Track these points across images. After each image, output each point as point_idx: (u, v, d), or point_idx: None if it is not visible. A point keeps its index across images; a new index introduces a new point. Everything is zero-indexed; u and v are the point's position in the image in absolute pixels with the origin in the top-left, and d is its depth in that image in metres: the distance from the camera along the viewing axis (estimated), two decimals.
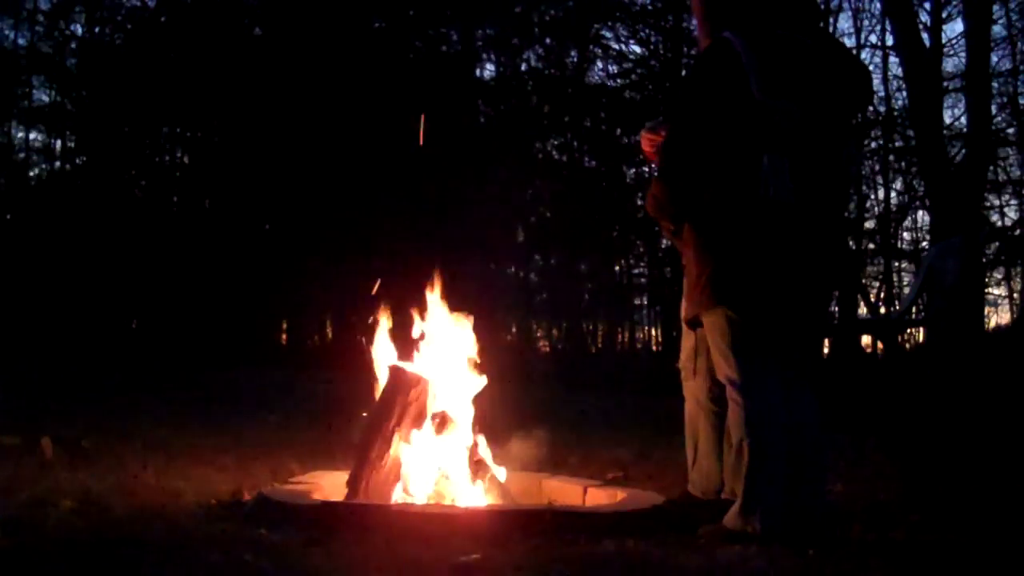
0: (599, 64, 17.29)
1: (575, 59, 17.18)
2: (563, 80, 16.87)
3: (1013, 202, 16.81)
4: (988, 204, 15.46)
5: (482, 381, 3.33)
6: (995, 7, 13.16)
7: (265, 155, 14.24)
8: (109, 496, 2.96)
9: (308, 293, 14.20)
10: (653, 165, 3.07)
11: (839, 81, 2.74)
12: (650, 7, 16.04)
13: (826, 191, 2.70)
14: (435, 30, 16.56)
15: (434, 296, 3.36)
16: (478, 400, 3.34)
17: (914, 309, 8.91)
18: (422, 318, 3.35)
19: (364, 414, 3.21)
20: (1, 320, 12.56)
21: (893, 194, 16.92)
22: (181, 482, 3.32)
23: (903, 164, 16.04)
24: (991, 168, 14.23)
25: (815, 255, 2.69)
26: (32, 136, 16.71)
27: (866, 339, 13.65)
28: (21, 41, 16.25)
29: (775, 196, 2.57)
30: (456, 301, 3.38)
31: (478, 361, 3.35)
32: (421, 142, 3.59)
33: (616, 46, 16.78)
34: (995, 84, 13.85)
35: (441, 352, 3.33)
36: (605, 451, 4.63)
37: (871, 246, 16.54)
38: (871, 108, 15.16)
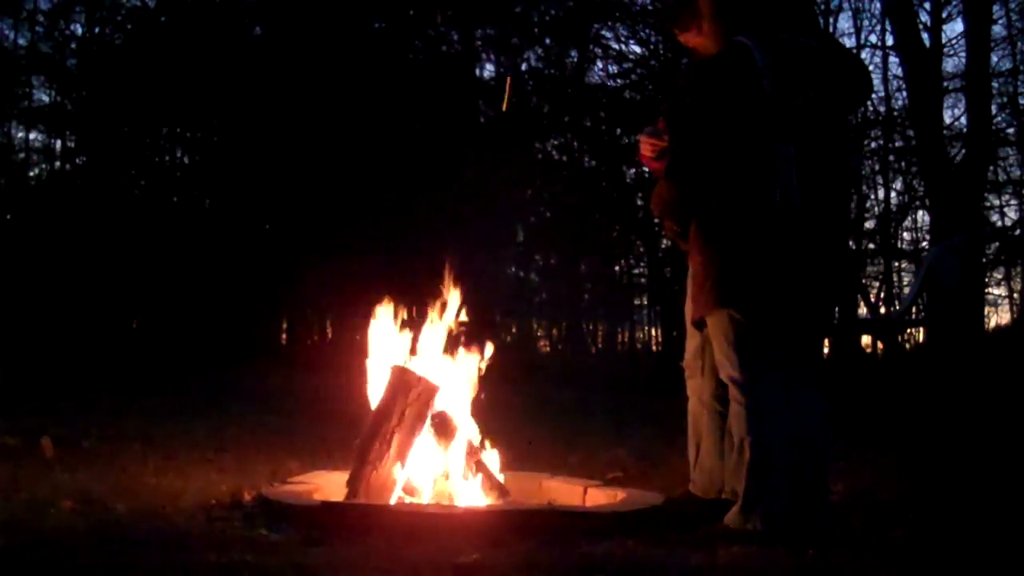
0: (599, 64, 17.30)
1: (575, 59, 17.19)
2: (563, 80, 16.87)
3: (1013, 202, 16.83)
4: (988, 204, 15.47)
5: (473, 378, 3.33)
6: (995, 7, 13.15)
7: (265, 155, 14.23)
8: (109, 496, 2.96)
9: (308, 293, 14.19)
10: (646, 169, 3.07)
11: (841, 79, 2.75)
12: (650, 7, 16.03)
13: (831, 191, 2.71)
14: (435, 30, 16.56)
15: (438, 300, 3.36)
16: (478, 400, 3.35)
17: (914, 309, 8.91)
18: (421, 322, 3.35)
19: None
20: (1, 320, 12.56)
21: (893, 194, 16.93)
22: (181, 482, 3.32)
23: (903, 164, 16.04)
24: (991, 168, 14.23)
25: (820, 257, 2.69)
26: (32, 136, 16.72)
27: (866, 339, 13.66)
28: (21, 41, 16.26)
29: (781, 199, 2.57)
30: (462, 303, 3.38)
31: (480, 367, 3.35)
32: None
33: (616, 46, 16.76)
34: (995, 84, 13.85)
35: (441, 354, 3.33)
36: (605, 451, 4.63)
37: (871, 246, 16.54)
38: (871, 108, 15.17)
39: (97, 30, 16.45)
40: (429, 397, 3.13)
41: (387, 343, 3.32)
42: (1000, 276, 17.70)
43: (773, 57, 2.63)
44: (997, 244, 14.87)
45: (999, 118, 14.43)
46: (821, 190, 2.66)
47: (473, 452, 3.19)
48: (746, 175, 2.62)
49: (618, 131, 16.23)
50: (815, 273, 2.70)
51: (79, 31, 16.45)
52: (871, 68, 15.85)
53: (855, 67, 2.86)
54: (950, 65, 15.01)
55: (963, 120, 14.46)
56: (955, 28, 22.97)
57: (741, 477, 2.65)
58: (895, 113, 15.64)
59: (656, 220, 3.06)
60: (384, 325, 3.33)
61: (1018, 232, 15.94)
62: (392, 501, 2.98)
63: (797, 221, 2.62)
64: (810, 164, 2.63)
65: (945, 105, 13.91)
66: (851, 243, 15.00)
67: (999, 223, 16.43)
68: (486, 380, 3.39)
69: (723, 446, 2.97)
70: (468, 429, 3.25)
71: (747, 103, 2.62)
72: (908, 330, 14.92)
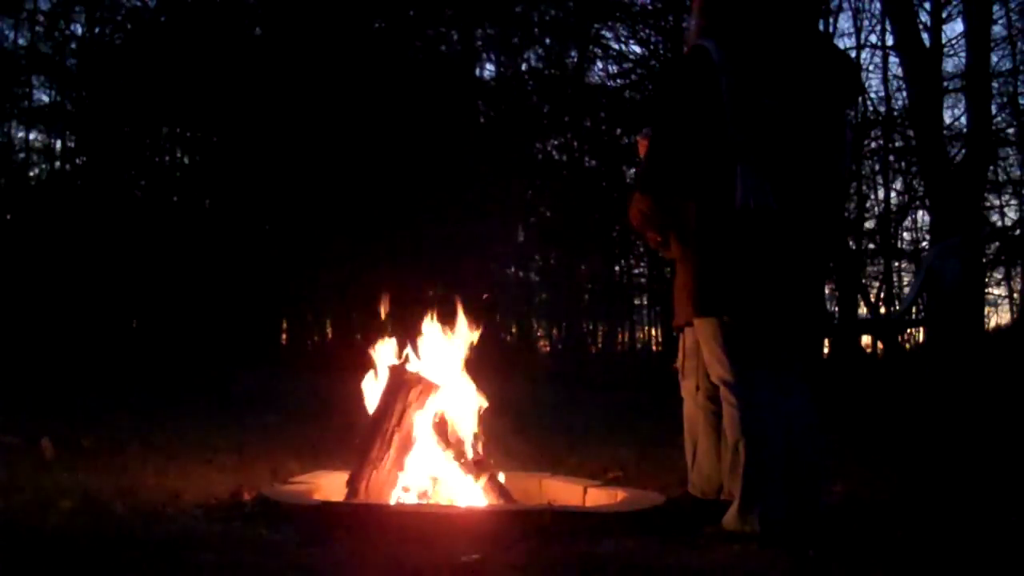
0: (599, 64, 17.31)
1: (575, 59, 17.19)
2: (563, 80, 16.87)
3: (1013, 202, 16.84)
4: (988, 204, 15.47)
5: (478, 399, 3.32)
6: (995, 7, 13.18)
7: (265, 155, 14.24)
8: (109, 496, 2.96)
9: (308, 293, 14.20)
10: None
11: (826, 77, 2.73)
12: (650, 7, 16.05)
13: (814, 190, 2.69)
14: (435, 30, 16.56)
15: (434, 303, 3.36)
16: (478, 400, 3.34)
17: (914, 309, 8.91)
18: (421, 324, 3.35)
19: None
20: (1, 320, 12.56)
21: (893, 194, 16.94)
22: (181, 482, 3.31)
23: (903, 164, 16.05)
24: (991, 168, 14.23)
25: (803, 258, 2.68)
26: (32, 136, 16.72)
27: (866, 339, 13.67)
28: (21, 41, 16.26)
29: (755, 205, 2.56)
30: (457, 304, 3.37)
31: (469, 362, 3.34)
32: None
33: (616, 46, 16.79)
34: (995, 84, 13.86)
35: (440, 354, 3.33)
36: (605, 451, 4.63)
37: (871, 246, 16.55)
38: (871, 108, 15.18)
39: (97, 30, 16.45)
40: (429, 397, 3.14)
41: (388, 347, 3.32)
42: (1000, 276, 17.69)
43: (739, 58, 2.61)
44: (997, 244, 14.88)
45: (999, 118, 14.46)
46: (802, 186, 2.65)
47: (473, 452, 3.19)
48: (717, 182, 2.61)
49: (618, 131, 16.25)
50: (798, 275, 2.69)
51: (79, 31, 16.47)
52: (871, 68, 15.94)
53: (843, 65, 2.82)
54: (950, 65, 15.04)
55: (963, 120, 14.48)
56: (955, 28, 23.02)
57: (737, 478, 2.64)
58: (895, 113, 15.65)
59: (637, 230, 3.05)
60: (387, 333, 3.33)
61: (1018, 232, 15.94)
62: (392, 501, 2.98)
63: (776, 225, 2.60)
64: (791, 165, 2.62)
65: (945, 105, 13.95)
66: (851, 243, 15.02)
67: (999, 223, 16.45)
68: (484, 379, 3.38)
69: (720, 447, 2.97)
70: (468, 429, 3.25)
71: (708, 110, 2.60)
72: (908, 330, 14.93)
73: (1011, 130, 15.16)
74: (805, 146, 2.65)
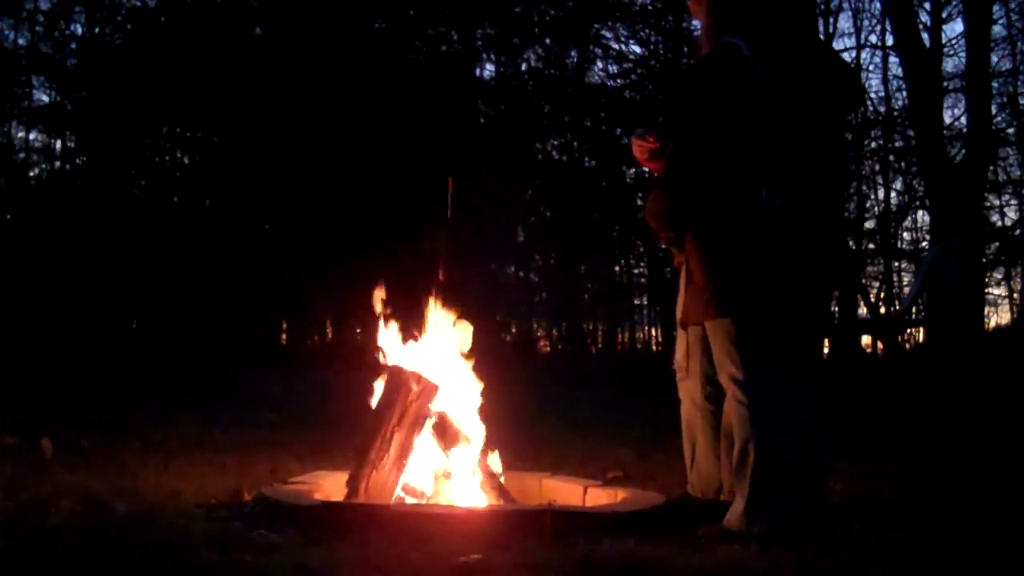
0: (599, 64, 17.32)
1: (575, 59, 17.21)
2: (563, 80, 16.89)
3: (1013, 202, 16.84)
4: (988, 204, 15.46)
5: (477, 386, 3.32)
6: (995, 7, 13.17)
7: (265, 155, 14.24)
8: (109, 496, 2.96)
9: (308, 293, 14.20)
10: (646, 169, 3.06)
11: (831, 84, 2.73)
12: (650, 7, 16.06)
13: (825, 191, 2.69)
14: (435, 30, 16.57)
15: (433, 298, 3.36)
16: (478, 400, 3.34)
17: (914, 309, 8.91)
18: (422, 321, 3.35)
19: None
20: (1, 320, 12.56)
21: (893, 194, 16.93)
22: (181, 482, 3.31)
23: (903, 164, 16.05)
24: (991, 168, 14.23)
25: (817, 258, 2.68)
26: (32, 136, 16.73)
27: (866, 339, 13.67)
28: (21, 41, 16.27)
29: (781, 204, 2.56)
30: (455, 303, 3.37)
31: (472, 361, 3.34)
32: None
33: (616, 46, 16.81)
34: (995, 84, 13.86)
35: (440, 353, 3.33)
36: (605, 451, 4.63)
37: (871, 246, 16.55)
38: (871, 108, 15.18)
39: (97, 30, 16.46)
40: (429, 397, 3.14)
41: (389, 342, 3.32)
42: (1000, 276, 17.69)
43: (764, 55, 2.61)
44: (997, 244, 14.88)
45: (999, 118, 14.45)
46: (816, 187, 2.65)
47: (473, 452, 3.19)
48: (741, 182, 2.61)
49: (618, 131, 16.25)
50: (812, 276, 2.69)
51: (79, 31, 16.48)
52: (871, 68, 15.96)
53: (846, 73, 2.83)
54: (950, 65, 15.02)
55: (963, 120, 14.47)
56: (955, 28, 23.01)
57: (745, 478, 2.61)
58: (895, 113, 15.66)
59: (654, 228, 3.02)
60: (385, 325, 3.32)
61: (1018, 232, 15.94)
62: (392, 501, 2.98)
63: (793, 225, 2.60)
64: (804, 165, 2.62)
65: (945, 105, 13.94)
66: (851, 243, 15.02)
67: (999, 223, 16.45)
68: (484, 379, 3.38)
69: (719, 447, 2.96)
70: (468, 429, 3.25)
71: (739, 108, 2.59)
72: (908, 330, 14.93)
73: (1011, 130, 15.16)
74: (820, 145, 2.66)
